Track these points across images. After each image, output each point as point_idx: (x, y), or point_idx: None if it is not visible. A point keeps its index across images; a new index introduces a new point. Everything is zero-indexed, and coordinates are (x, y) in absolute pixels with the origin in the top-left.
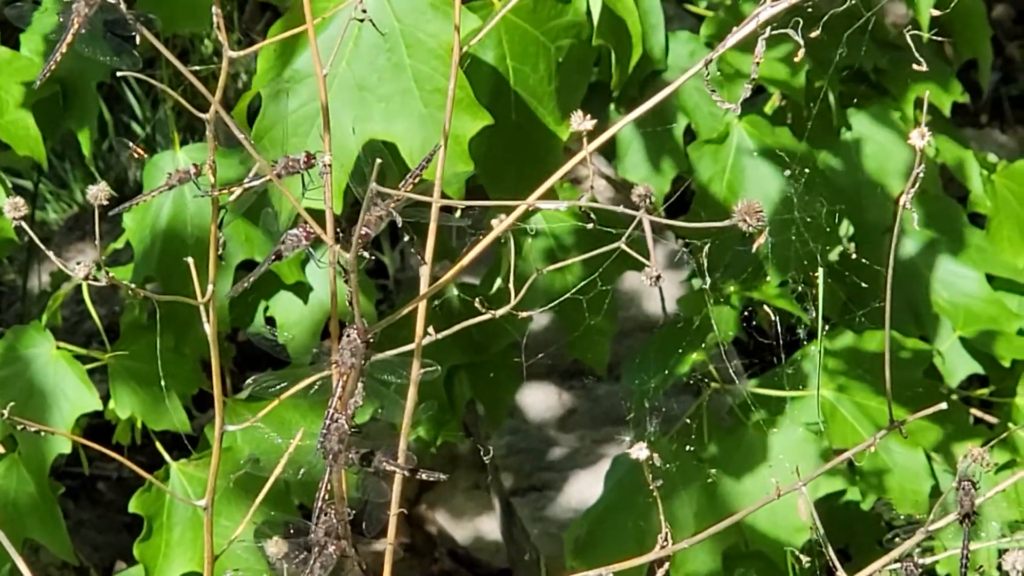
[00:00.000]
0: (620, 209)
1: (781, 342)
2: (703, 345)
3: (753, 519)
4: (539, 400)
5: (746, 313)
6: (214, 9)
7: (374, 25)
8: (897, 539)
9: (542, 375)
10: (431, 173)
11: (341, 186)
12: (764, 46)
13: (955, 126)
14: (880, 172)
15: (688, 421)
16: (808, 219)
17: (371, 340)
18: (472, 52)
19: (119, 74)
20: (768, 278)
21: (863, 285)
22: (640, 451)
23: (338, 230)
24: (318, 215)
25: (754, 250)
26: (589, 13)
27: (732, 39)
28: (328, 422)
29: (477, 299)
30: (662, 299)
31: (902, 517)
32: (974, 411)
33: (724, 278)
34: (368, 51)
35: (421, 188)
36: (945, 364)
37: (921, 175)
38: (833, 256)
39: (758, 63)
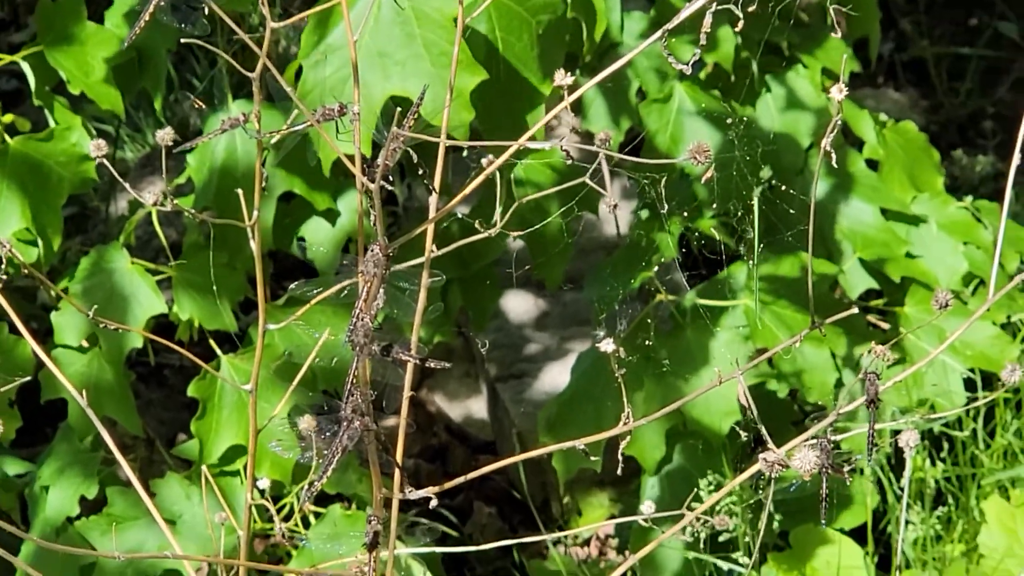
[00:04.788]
0: (591, 148)
1: (722, 258)
2: (653, 262)
3: (691, 405)
4: (518, 305)
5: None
6: None
7: (396, 1)
8: (811, 421)
9: (521, 285)
10: (439, 120)
11: (368, 134)
12: (711, 18)
13: (856, 87)
14: (793, 126)
15: (648, 321)
16: (738, 165)
17: (390, 254)
18: (469, 25)
19: (183, 41)
20: (706, 211)
21: (789, 212)
22: (607, 345)
23: (364, 165)
24: (350, 157)
25: (703, 182)
26: None
27: (686, 12)
28: (355, 320)
29: (477, 221)
30: (616, 224)
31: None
32: (870, 318)
33: (671, 210)
34: (386, 25)
35: (431, 132)
36: (847, 280)
37: (839, 123)
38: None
39: (707, 33)
